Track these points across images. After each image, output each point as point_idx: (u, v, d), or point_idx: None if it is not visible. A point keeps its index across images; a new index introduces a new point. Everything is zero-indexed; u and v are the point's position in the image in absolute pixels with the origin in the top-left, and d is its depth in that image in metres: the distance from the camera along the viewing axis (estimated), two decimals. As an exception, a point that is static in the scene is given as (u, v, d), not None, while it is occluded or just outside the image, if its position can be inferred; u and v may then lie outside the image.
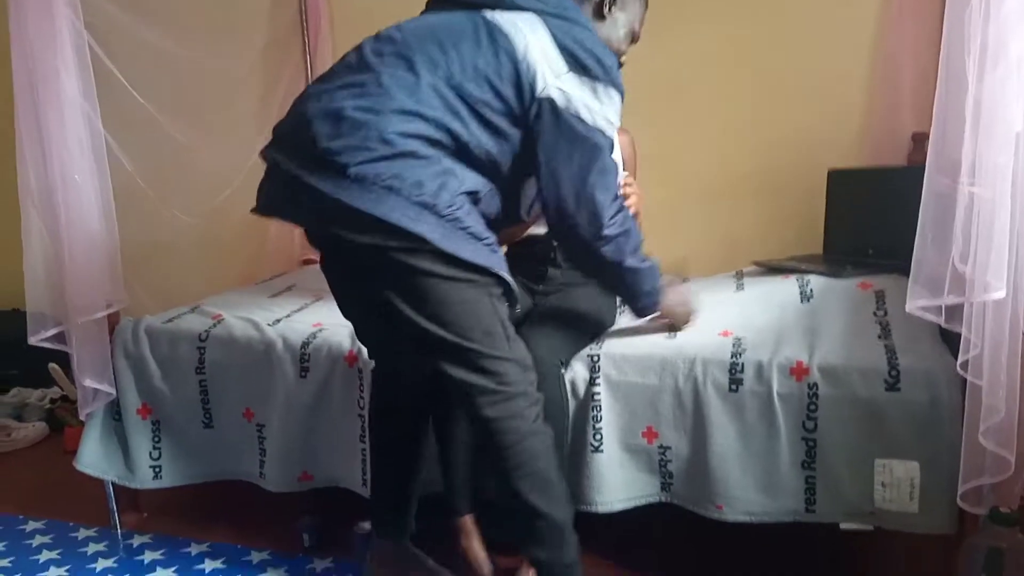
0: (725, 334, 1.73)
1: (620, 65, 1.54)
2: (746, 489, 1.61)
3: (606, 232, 1.49)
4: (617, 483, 1.70)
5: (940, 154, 1.34)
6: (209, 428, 2.00)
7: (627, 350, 1.71)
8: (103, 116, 1.97)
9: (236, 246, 2.99)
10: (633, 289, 1.65)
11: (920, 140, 2.30)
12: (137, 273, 2.45)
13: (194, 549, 1.99)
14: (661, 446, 1.68)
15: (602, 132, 1.45)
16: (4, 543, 2.06)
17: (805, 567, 1.80)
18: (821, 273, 2.04)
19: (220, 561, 1.93)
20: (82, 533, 2.10)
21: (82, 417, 2.02)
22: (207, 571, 1.89)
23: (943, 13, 2.27)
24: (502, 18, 1.43)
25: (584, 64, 1.42)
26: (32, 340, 1.92)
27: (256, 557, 1.94)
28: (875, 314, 1.77)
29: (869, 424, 1.53)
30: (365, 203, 1.29)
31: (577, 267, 1.78)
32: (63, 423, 2.73)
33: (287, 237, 2.98)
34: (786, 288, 1.99)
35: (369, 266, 1.39)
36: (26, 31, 1.79)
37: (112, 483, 2.07)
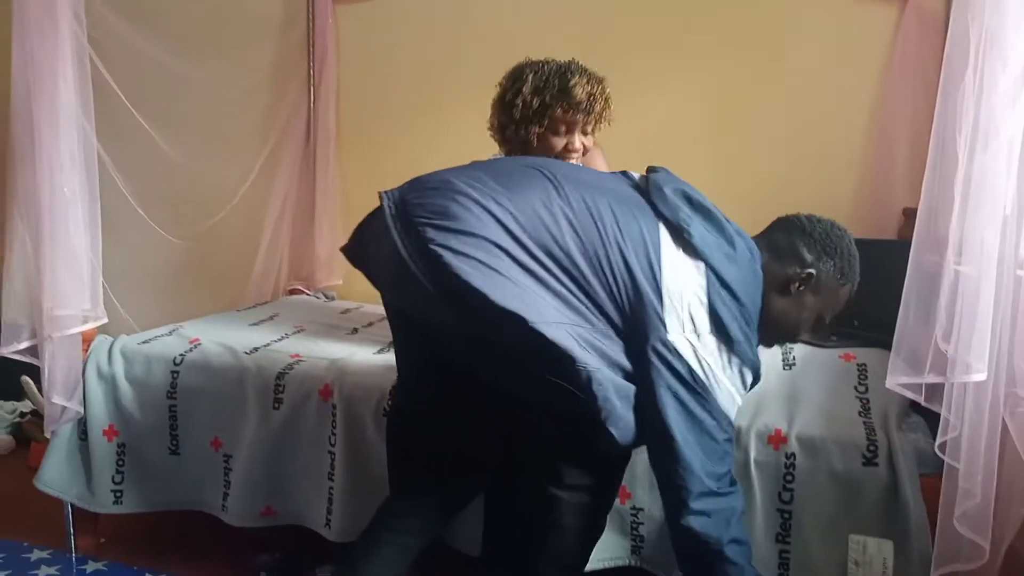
0: (705, 396, 1.71)
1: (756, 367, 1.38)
2: None
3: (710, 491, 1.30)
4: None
5: (927, 230, 1.35)
6: (175, 455, 1.96)
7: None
8: (100, 130, 1.97)
9: (223, 271, 2.97)
10: None
11: (910, 215, 2.31)
12: (120, 291, 2.43)
13: (148, 579, 1.93)
14: (634, 507, 1.64)
15: (720, 407, 1.32)
16: (-48, 559, 2.00)
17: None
18: (805, 341, 2.02)
19: (173, 594, 1.87)
20: (35, 555, 2.03)
21: (47, 434, 1.98)
22: (158, 603, 1.84)
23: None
24: (665, 239, 1.35)
25: (729, 334, 1.31)
26: (3, 351, 1.89)
27: (211, 593, 1.88)
28: (856, 388, 1.75)
29: (845, 498, 1.51)
30: None
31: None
32: (30, 438, 2.67)
33: (274, 266, 2.97)
34: (769, 354, 1.95)
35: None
36: (28, 38, 1.79)
37: (71, 505, 2.01)
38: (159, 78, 2.76)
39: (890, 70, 2.46)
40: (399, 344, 1.60)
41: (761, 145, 2.59)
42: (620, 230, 1.33)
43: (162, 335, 2.12)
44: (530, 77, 1.78)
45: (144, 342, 2.05)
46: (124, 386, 1.97)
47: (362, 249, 1.47)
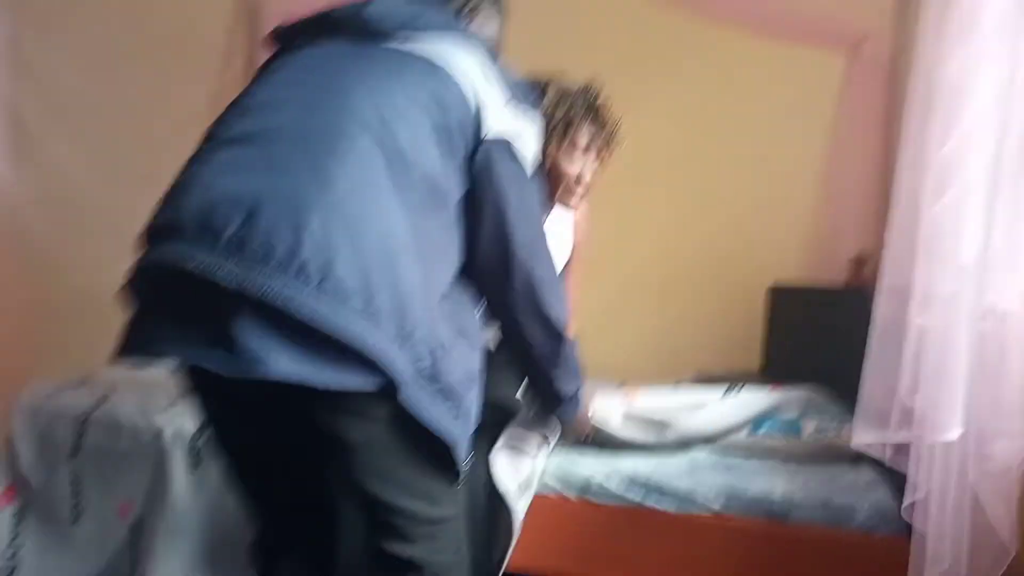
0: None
1: None
2: None
3: (557, 294, 1.31)
4: None
5: (891, 282, 1.29)
6: (75, 524, 1.76)
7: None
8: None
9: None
10: (565, 375, 1.41)
11: (860, 263, 2.30)
12: (45, 332, 2.25)
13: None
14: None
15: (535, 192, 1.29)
16: None
17: None
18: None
19: None
20: (-87, 637, 1.81)
21: (-64, 499, 1.77)
22: None
23: (886, 139, 2.33)
24: (425, 48, 1.18)
25: (514, 89, 1.24)
26: None
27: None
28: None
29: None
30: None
31: (510, 340, 1.37)
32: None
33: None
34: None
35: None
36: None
37: (-42, 580, 1.81)
38: (92, 108, 2.61)
39: (839, 117, 2.46)
40: (236, 443, 1.22)
41: (715, 191, 2.58)
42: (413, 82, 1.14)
43: (70, 388, 1.93)
44: (551, 89, 1.59)
45: (49, 396, 1.87)
46: (25, 445, 1.79)
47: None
